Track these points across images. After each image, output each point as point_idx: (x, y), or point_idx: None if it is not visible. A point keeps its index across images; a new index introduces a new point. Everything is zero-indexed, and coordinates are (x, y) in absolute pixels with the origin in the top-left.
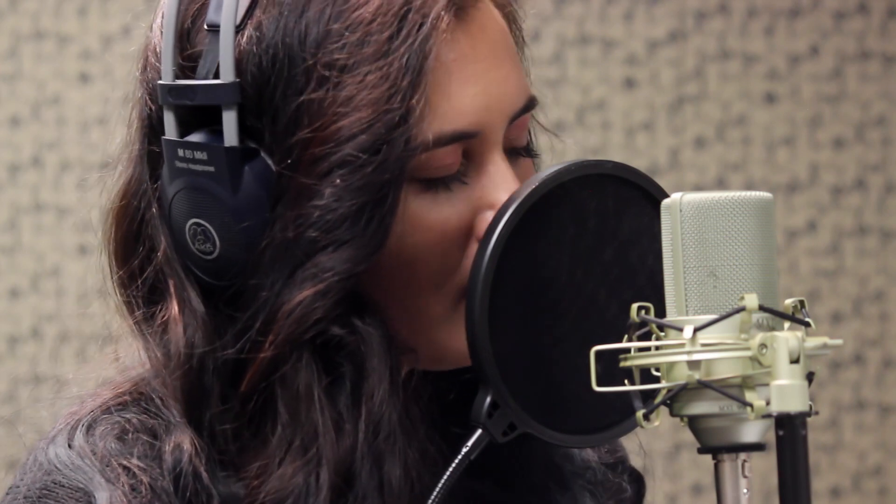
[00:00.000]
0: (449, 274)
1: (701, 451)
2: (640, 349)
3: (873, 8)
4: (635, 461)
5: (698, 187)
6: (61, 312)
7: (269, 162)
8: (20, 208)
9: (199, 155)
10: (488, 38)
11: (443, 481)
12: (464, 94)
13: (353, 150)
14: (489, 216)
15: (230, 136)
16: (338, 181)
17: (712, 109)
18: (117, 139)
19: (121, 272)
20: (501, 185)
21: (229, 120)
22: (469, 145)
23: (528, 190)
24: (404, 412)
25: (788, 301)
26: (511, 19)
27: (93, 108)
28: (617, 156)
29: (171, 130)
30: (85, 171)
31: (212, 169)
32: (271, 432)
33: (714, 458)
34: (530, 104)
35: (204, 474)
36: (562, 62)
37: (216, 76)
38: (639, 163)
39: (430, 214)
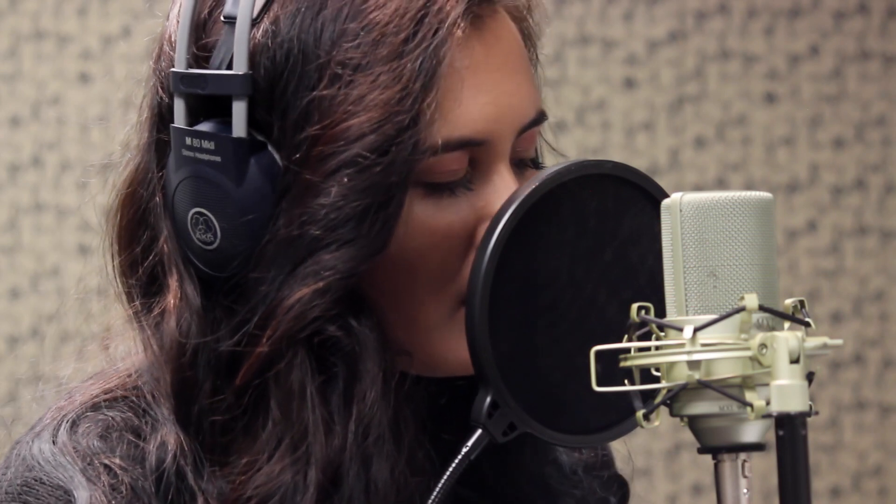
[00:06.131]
0: (447, 280)
1: (701, 451)
2: (640, 349)
3: (873, 8)
4: (629, 464)
5: (698, 187)
6: (61, 312)
7: (276, 157)
8: (20, 208)
9: (206, 144)
10: (503, 48)
11: (443, 481)
12: (474, 103)
13: (361, 150)
14: None
15: (239, 127)
16: (344, 180)
17: (712, 109)
18: (118, 138)
19: (121, 259)
20: (505, 195)
21: (239, 111)
22: (475, 153)
23: (528, 190)
24: (395, 416)
25: (788, 301)
26: (526, 35)
27: (93, 108)
28: (617, 156)
29: (180, 119)
30: (85, 171)
31: (218, 159)
32: (262, 428)
33: (714, 458)
34: (540, 118)
35: (189, 473)
36: (562, 62)
37: (229, 67)
38: (639, 163)
39: (433, 219)
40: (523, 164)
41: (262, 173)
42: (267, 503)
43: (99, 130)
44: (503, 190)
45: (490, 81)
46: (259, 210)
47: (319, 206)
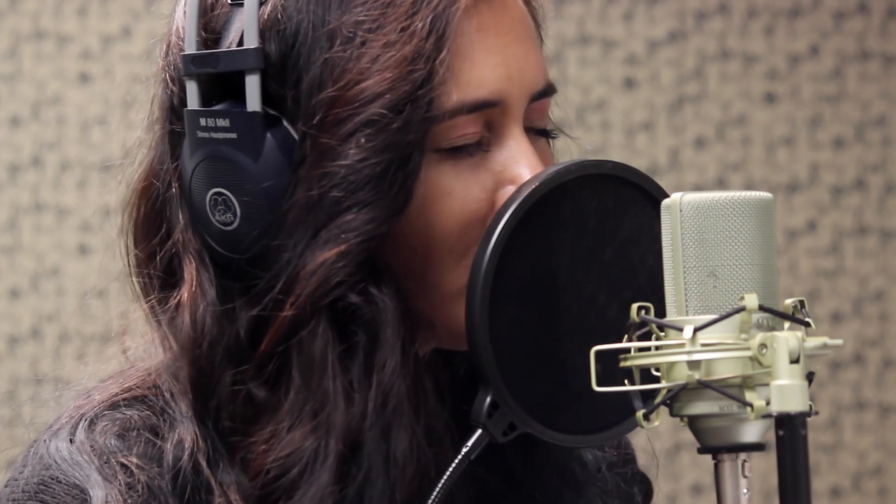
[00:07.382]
0: (469, 247)
1: (701, 451)
2: (640, 349)
3: (873, 8)
4: (641, 459)
5: (698, 187)
6: (61, 312)
7: (291, 130)
8: (20, 208)
9: (221, 122)
10: (510, 15)
11: (443, 481)
12: (486, 64)
13: (378, 110)
14: (510, 192)
15: (253, 101)
16: (362, 141)
17: (712, 109)
18: (118, 138)
19: (138, 251)
20: (521, 159)
21: (252, 85)
22: (490, 116)
23: (528, 190)
24: (414, 386)
25: (788, 301)
26: (532, 9)
27: (93, 108)
28: (617, 156)
29: (193, 101)
30: (85, 171)
31: (234, 136)
32: (284, 396)
33: (714, 458)
34: (550, 89)
35: (205, 468)
36: (562, 62)
37: (240, 46)
38: (639, 163)
39: (452, 181)
40: (536, 132)
41: (279, 146)
42: (289, 472)
43: (99, 130)
44: (518, 154)
45: (500, 44)
46: (277, 182)
47: (338, 168)
